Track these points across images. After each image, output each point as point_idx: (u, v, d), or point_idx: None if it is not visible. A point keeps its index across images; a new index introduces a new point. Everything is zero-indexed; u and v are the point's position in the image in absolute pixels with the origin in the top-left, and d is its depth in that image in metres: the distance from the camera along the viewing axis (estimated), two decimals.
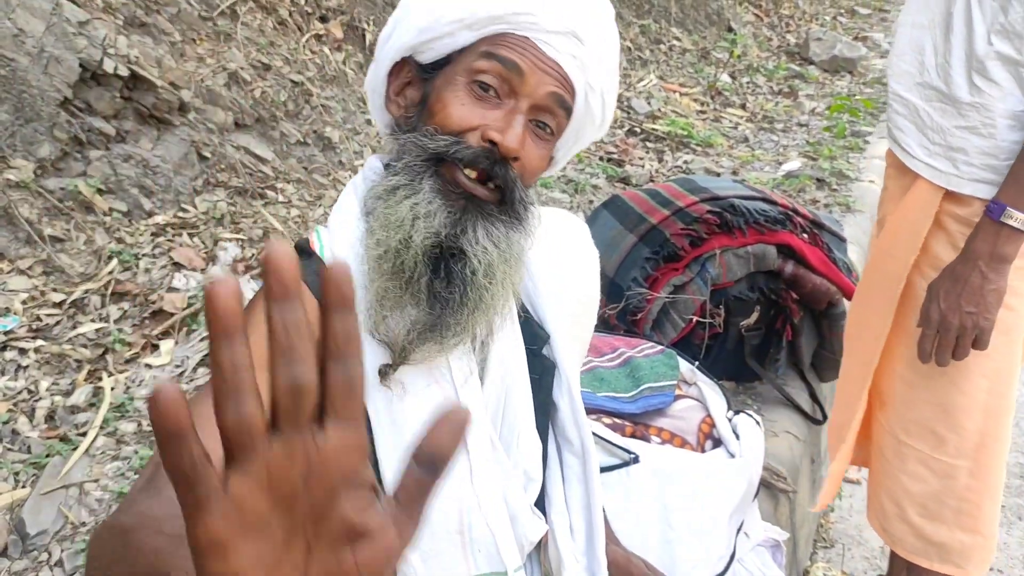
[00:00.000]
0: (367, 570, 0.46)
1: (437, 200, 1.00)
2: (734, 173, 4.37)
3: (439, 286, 0.99)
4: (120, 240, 2.55)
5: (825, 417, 2.57)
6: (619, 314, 2.36)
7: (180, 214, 2.73)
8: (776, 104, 5.78)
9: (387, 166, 1.10)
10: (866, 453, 1.98)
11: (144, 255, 2.54)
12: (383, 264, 0.99)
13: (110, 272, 2.44)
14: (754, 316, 2.55)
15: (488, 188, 1.03)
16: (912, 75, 1.69)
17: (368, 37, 4.03)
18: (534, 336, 1.17)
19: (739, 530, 1.78)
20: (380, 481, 1.01)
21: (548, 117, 1.06)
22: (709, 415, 1.94)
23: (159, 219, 2.67)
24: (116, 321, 2.35)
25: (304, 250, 1.08)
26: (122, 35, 2.80)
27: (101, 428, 2.04)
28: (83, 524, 1.82)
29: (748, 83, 6.11)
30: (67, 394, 2.13)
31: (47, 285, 2.36)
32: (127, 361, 2.27)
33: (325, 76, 3.68)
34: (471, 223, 1.01)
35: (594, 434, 1.55)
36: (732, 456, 1.83)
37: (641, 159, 4.43)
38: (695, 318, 2.37)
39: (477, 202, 1.02)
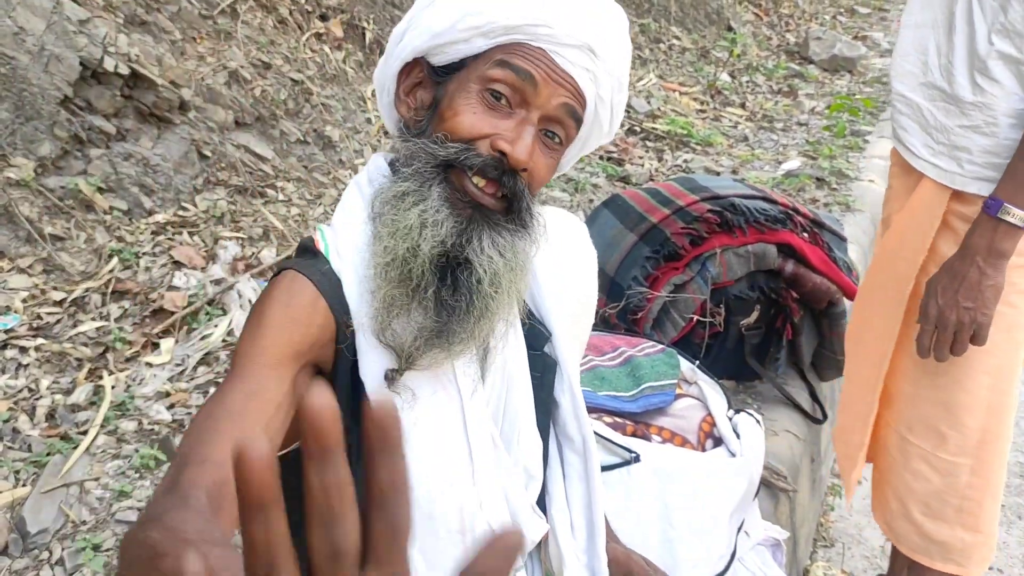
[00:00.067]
0: None
1: (445, 209, 1.00)
2: (734, 172, 4.37)
3: (446, 294, 1.00)
4: (120, 239, 2.55)
5: (825, 416, 2.58)
6: (619, 313, 2.36)
7: (180, 212, 2.73)
8: (776, 103, 5.78)
9: (392, 166, 1.10)
10: (871, 450, 1.99)
11: (144, 253, 2.54)
12: (390, 272, 0.99)
13: (110, 270, 2.44)
14: (754, 315, 2.55)
15: (495, 197, 1.03)
16: (915, 75, 1.70)
17: (368, 36, 4.03)
18: (536, 334, 1.17)
19: (739, 529, 1.78)
20: None
21: (558, 127, 1.06)
22: (710, 414, 1.94)
23: (159, 217, 2.67)
24: (116, 319, 2.35)
25: (309, 249, 1.08)
26: (122, 33, 2.80)
27: (102, 426, 2.04)
28: (83, 522, 1.82)
29: (748, 82, 6.11)
30: (68, 392, 2.13)
31: (48, 283, 2.36)
32: (127, 360, 2.27)
33: (325, 75, 3.68)
34: (477, 232, 1.01)
35: (595, 433, 1.55)
36: (733, 455, 1.83)
37: (641, 158, 4.43)
38: (695, 317, 2.37)
39: (484, 211, 1.02)
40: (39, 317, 2.28)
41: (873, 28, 8.37)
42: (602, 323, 2.37)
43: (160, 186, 2.72)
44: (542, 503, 1.16)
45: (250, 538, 0.39)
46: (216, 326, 2.40)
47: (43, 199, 2.45)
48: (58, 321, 2.30)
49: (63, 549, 1.76)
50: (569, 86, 1.04)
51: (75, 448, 1.97)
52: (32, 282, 2.34)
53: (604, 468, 1.66)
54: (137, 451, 1.99)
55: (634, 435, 1.85)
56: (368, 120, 3.72)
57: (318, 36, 3.82)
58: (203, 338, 2.36)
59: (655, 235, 2.41)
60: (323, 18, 3.93)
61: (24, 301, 2.29)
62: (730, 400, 2.01)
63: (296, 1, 3.80)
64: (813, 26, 7.80)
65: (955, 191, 1.66)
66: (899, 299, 1.77)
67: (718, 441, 1.90)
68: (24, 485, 1.88)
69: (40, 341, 2.22)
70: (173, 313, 2.40)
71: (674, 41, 6.27)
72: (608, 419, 1.87)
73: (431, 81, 1.08)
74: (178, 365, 2.28)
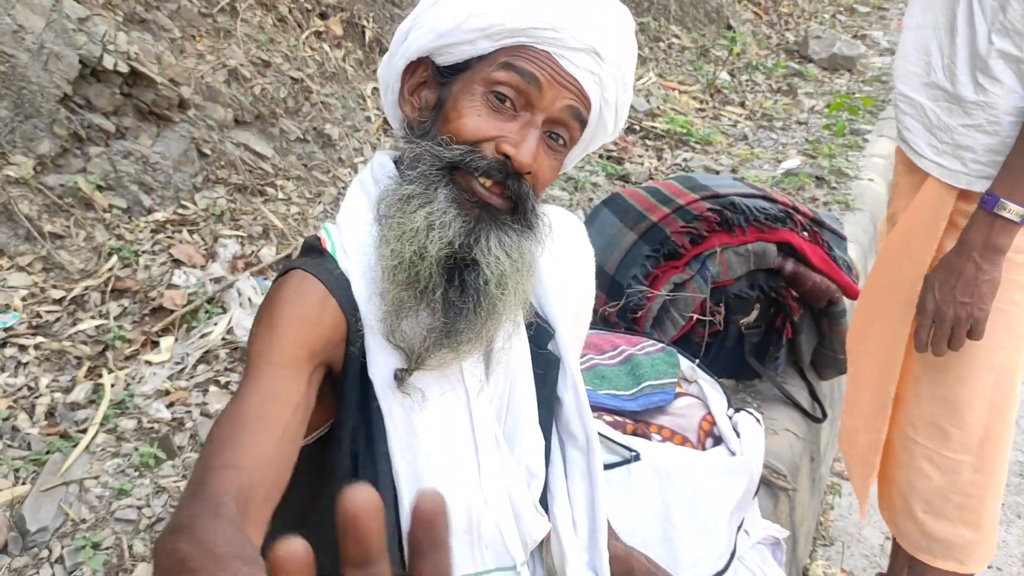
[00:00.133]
0: None
1: (452, 209, 1.00)
2: (733, 171, 4.37)
3: (454, 295, 1.00)
4: (120, 237, 2.55)
5: (825, 415, 2.58)
6: (619, 312, 2.36)
7: (180, 211, 2.73)
8: (775, 102, 5.78)
9: (397, 164, 1.10)
10: None
11: (144, 252, 2.54)
12: (398, 274, 0.99)
13: (110, 269, 2.44)
14: (754, 314, 2.54)
15: (502, 197, 1.03)
16: (919, 76, 1.71)
17: (368, 34, 4.03)
18: (539, 332, 1.17)
19: (739, 528, 1.78)
20: (395, 489, 1.02)
21: (562, 130, 1.06)
22: (710, 413, 1.95)
23: (159, 216, 2.66)
24: (116, 318, 2.35)
25: (316, 248, 1.08)
26: (122, 31, 2.80)
27: (101, 425, 2.04)
28: (83, 521, 1.82)
29: (747, 81, 6.11)
30: (67, 391, 2.13)
31: (47, 282, 2.36)
32: (127, 358, 2.27)
33: (325, 73, 3.68)
34: (485, 232, 1.01)
35: None
36: (733, 454, 1.83)
37: (640, 157, 4.42)
38: (695, 316, 2.37)
39: (491, 211, 1.03)
40: (38, 315, 2.27)
41: (872, 27, 8.37)
42: (602, 322, 2.37)
43: (159, 184, 2.72)
44: (544, 501, 1.16)
45: None
46: (215, 324, 2.40)
47: (42, 197, 2.45)
48: (57, 319, 2.29)
49: (63, 547, 1.76)
50: (574, 89, 1.04)
51: (75, 446, 1.97)
52: (31, 280, 2.34)
53: (604, 467, 1.65)
54: (137, 449, 1.99)
55: (634, 434, 1.85)
56: (368, 118, 3.72)
57: (318, 34, 3.82)
58: (203, 336, 2.36)
59: (655, 234, 2.41)
60: (323, 16, 3.92)
61: (24, 299, 2.28)
62: (730, 399, 2.01)
63: None
64: (812, 25, 7.80)
65: (961, 191, 1.67)
66: (907, 300, 1.78)
67: (718, 440, 1.90)
68: (24, 483, 1.88)
69: (39, 339, 2.22)
70: (172, 311, 2.40)
71: (673, 40, 6.27)
72: (608, 418, 1.87)
73: (435, 81, 1.08)
74: (178, 363, 2.28)
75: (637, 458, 1.72)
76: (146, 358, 2.27)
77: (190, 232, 2.67)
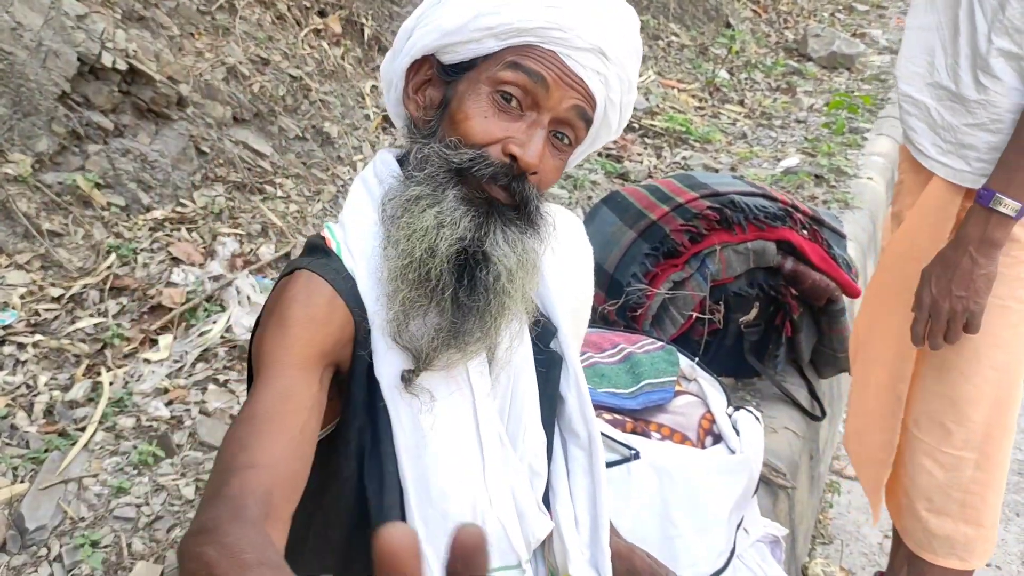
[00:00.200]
0: None
1: (462, 207, 1.01)
2: (732, 169, 4.37)
3: (463, 295, 1.00)
4: (118, 235, 2.54)
5: (824, 413, 2.58)
6: (619, 310, 2.36)
7: (178, 209, 2.72)
8: (774, 100, 5.77)
9: (401, 163, 1.10)
10: None
11: (142, 250, 2.54)
12: (408, 274, 0.99)
13: (108, 267, 2.44)
14: (753, 312, 2.54)
15: (507, 194, 1.03)
16: (922, 76, 1.72)
17: (366, 32, 4.02)
18: (542, 330, 1.17)
19: (739, 526, 1.78)
20: (401, 489, 1.01)
21: (568, 129, 1.06)
22: (709, 411, 1.94)
23: (157, 214, 2.66)
24: (114, 316, 2.35)
25: (320, 248, 1.07)
26: (120, 29, 2.79)
27: (100, 423, 2.04)
28: (82, 519, 1.82)
29: (746, 79, 6.11)
30: (65, 389, 2.13)
31: (45, 280, 2.36)
32: (126, 356, 2.27)
33: (324, 71, 3.67)
34: (494, 227, 1.01)
35: None
36: (732, 452, 1.83)
37: (639, 155, 4.42)
38: (694, 314, 2.37)
39: (499, 207, 1.03)
40: (37, 313, 2.27)
41: (871, 25, 8.37)
42: (601, 320, 2.37)
43: (158, 182, 2.71)
44: (545, 499, 1.16)
45: None
46: (214, 322, 2.39)
47: (41, 195, 2.45)
48: (56, 317, 2.29)
49: (61, 546, 1.75)
50: (580, 89, 1.04)
51: (73, 444, 1.96)
52: (30, 278, 2.34)
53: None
54: (135, 447, 1.99)
55: (634, 432, 1.85)
56: (367, 116, 3.72)
57: (316, 32, 3.81)
58: (201, 335, 2.36)
59: (654, 232, 2.41)
60: (321, 14, 3.92)
61: (22, 297, 2.28)
62: (729, 397, 2.01)
63: None
64: (812, 23, 7.79)
65: (967, 190, 1.67)
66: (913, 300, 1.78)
67: (717, 438, 1.90)
68: (22, 481, 1.87)
69: (38, 337, 2.22)
70: (171, 309, 2.39)
71: (673, 38, 6.27)
72: (608, 416, 1.87)
73: (440, 80, 1.08)
74: (176, 361, 2.27)
75: (636, 456, 1.72)
76: (145, 356, 2.27)
77: (189, 230, 2.67)
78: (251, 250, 2.70)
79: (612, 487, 1.67)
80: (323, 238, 1.08)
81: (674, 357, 2.06)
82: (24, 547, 1.75)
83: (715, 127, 5.04)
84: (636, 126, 4.77)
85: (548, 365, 1.17)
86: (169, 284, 2.47)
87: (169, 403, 2.14)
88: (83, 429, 2.02)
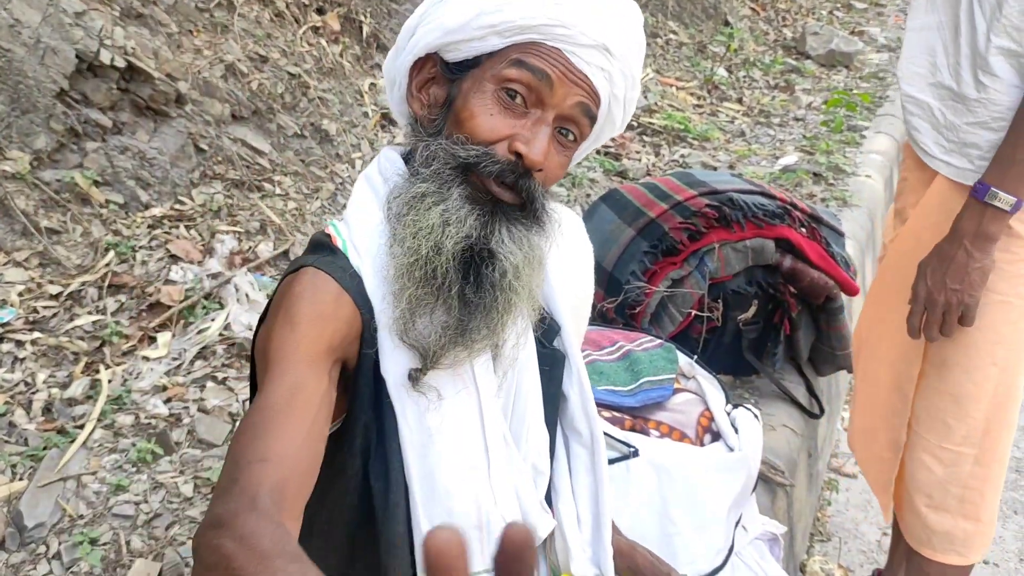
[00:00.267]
0: None
1: (467, 205, 1.01)
2: (731, 167, 4.37)
3: (470, 292, 1.00)
4: (117, 232, 2.54)
5: (822, 411, 2.58)
6: (617, 308, 2.36)
7: (177, 206, 2.72)
8: (773, 98, 5.77)
9: (407, 161, 1.10)
10: None
11: (141, 247, 2.53)
12: (415, 271, 0.99)
13: (107, 264, 2.44)
14: (752, 310, 2.54)
15: (514, 192, 1.04)
16: (924, 76, 1.73)
17: (365, 29, 4.02)
18: (545, 328, 1.17)
19: (737, 524, 1.78)
20: (407, 487, 1.02)
21: (573, 126, 1.06)
22: (708, 409, 1.95)
23: (156, 211, 2.66)
24: (113, 313, 2.34)
25: (326, 246, 1.07)
26: (119, 26, 2.79)
27: (98, 420, 2.04)
28: (81, 516, 1.82)
29: (744, 77, 6.11)
30: (64, 386, 2.13)
31: (44, 277, 2.35)
32: (124, 353, 2.27)
33: (322, 68, 3.67)
34: (499, 225, 1.02)
35: None
36: (731, 450, 1.83)
37: (638, 153, 4.42)
38: (693, 312, 2.37)
39: (504, 206, 1.03)
40: (35, 311, 2.27)
41: (870, 23, 8.37)
42: (600, 318, 2.37)
43: (157, 180, 2.71)
44: (548, 497, 1.16)
45: None
46: (213, 320, 2.39)
47: (39, 192, 2.44)
48: (54, 315, 2.29)
49: (60, 543, 1.75)
50: (585, 85, 1.04)
51: (72, 442, 1.96)
52: (28, 276, 2.33)
53: None
54: (134, 445, 1.99)
55: (632, 429, 1.85)
56: (365, 114, 3.71)
57: (315, 30, 3.81)
58: (200, 332, 2.36)
59: (653, 230, 2.41)
60: (320, 11, 3.91)
61: (20, 295, 2.28)
62: (728, 395, 2.01)
63: None
64: (810, 21, 7.79)
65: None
66: None
67: (716, 436, 1.90)
68: (21, 479, 1.87)
69: (36, 335, 2.21)
70: (170, 307, 2.39)
71: (671, 36, 6.27)
72: (606, 414, 1.87)
73: (444, 77, 1.08)
74: (175, 359, 2.27)
75: (635, 454, 1.72)
76: (143, 354, 2.27)
77: (187, 228, 2.67)
78: (250, 248, 2.70)
79: (611, 485, 1.67)
80: (328, 236, 1.08)
81: (673, 355, 2.06)
82: (23, 544, 1.75)
83: (713, 125, 5.04)
84: (635, 124, 4.76)
85: (551, 363, 1.17)
86: (168, 282, 2.47)
87: (168, 401, 2.14)
88: (82, 427, 2.02)
